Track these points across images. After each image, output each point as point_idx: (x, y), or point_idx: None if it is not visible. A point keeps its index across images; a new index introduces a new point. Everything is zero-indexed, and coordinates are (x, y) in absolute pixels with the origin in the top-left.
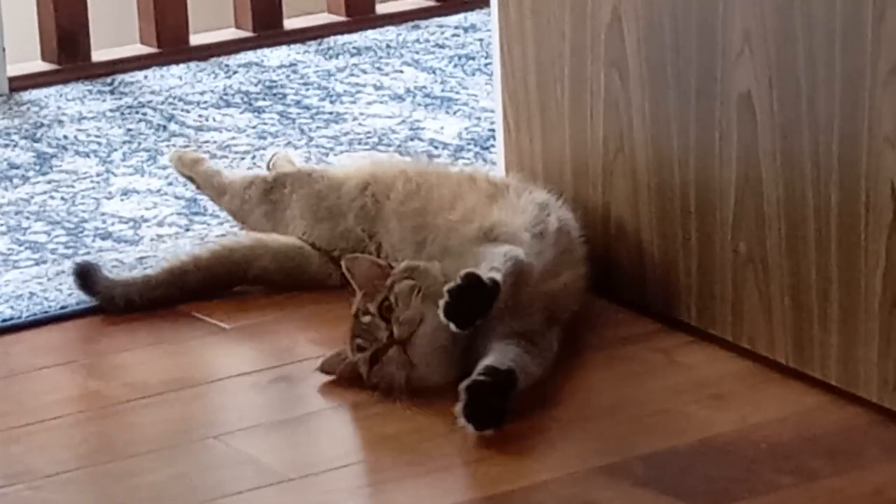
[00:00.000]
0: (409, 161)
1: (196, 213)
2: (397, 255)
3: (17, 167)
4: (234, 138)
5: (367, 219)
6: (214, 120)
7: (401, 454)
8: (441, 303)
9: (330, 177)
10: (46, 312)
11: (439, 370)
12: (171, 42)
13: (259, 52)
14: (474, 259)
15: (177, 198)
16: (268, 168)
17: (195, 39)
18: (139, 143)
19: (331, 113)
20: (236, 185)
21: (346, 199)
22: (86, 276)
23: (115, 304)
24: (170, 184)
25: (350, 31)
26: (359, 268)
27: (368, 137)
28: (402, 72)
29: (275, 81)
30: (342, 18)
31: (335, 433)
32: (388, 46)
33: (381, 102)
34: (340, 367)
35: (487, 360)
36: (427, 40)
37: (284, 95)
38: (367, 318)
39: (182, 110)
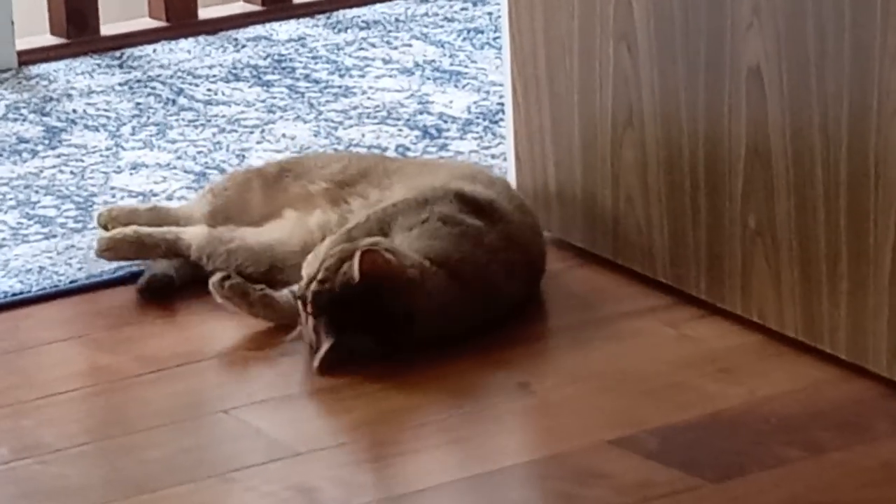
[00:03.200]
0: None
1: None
2: None
3: (27, 141)
4: (242, 112)
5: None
6: (223, 94)
7: (408, 428)
8: None
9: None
10: (56, 286)
11: None
12: (179, 16)
13: (268, 25)
14: None
15: (186, 172)
16: (103, 226)
17: (204, 13)
18: (148, 118)
19: (340, 87)
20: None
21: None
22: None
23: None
24: (179, 158)
25: (359, 5)
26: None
27: (377, 111)
28: (410, 45)
29: (284, 55)
30: None
31: (343, 408)
32: (396, 20)
33: (390, 76)
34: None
35: None
36: (436, 14)
37: (293, 69)
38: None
39: (191, 84)
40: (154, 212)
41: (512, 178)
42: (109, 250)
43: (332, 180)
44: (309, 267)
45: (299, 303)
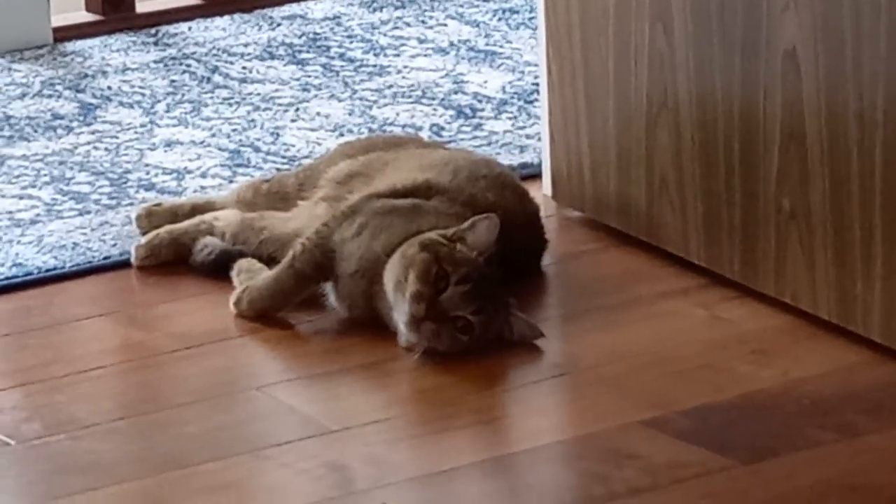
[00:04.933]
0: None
1: (239, 165)
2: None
3: (62, 118)
4: (277, 91)
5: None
6: (258, 72)
7: (440, 407)
8: None
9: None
10: (90, 263)
11: None
12: None
13: (303, 4)
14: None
15: (220, 149)
16: (142, 229)
17: None
18: (183, 95)
19: (374, 66)
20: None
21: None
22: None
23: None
24: (213, 135)
25: None
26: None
27: (412, 90)
28: (445, 25)
29: (319, 34)
30: None
31: (375, 386)
32: (431, 0)
33: (425, 56)
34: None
35: None
36: None
37: (328, 48)
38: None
39: (226, 62)
40: (194, 209)
41: (546, 159)
42: (149, 257)
43: (333, 181)
44: (409, 288)
45: (417, 325)
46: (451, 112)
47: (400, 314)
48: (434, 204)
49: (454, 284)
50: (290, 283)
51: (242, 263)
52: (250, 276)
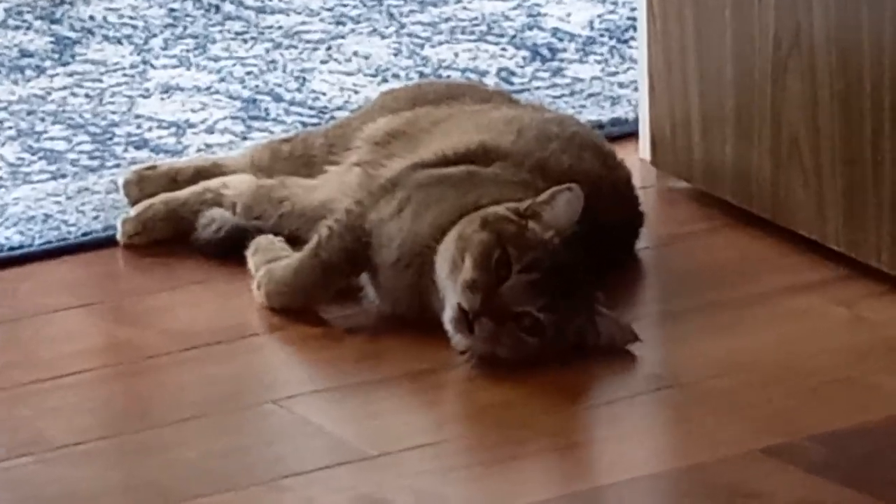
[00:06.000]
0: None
1: (255, 118)
2: None
3: (31, 55)
4: (304, 24)
5: None
6: (280, 0)
7: (505, 429)
8: None
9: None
10: (65, 240)
11: None
12: None
13: None
14: None
15: (231, 98)
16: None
17: None
18: (185, 28)
19: None
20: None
21: None
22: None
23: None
24: (222, 80)
25: None
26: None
27: (475, 25)
28: None
29: None
30: None
31: (423, 401)
32: None
33: None
34: None
35: None
36: None
37: None
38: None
39: None
40: (198, 174)
41: (644, 114)
42: (140, 234)
43: (370, 141)
44: (461, 276)
45: (467, 324)
46: (525, 53)
47: (448, 309)
48: (494, 171)
49: (518, 272)
50: (313, 278)
51: (261, 241)
52: (271, 257)
